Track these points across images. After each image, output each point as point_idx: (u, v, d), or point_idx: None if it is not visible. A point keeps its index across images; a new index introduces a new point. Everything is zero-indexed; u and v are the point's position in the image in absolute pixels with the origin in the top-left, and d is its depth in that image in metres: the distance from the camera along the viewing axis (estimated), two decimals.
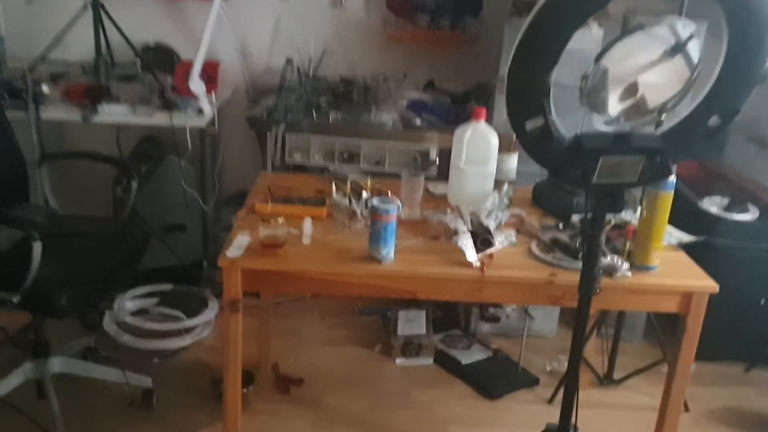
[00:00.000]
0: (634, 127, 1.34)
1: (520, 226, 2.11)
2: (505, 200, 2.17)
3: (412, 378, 2.71)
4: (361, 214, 2.02)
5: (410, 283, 1.82)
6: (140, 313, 2.97)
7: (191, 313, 2.96)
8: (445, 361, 2.78)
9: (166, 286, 3.13)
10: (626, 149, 1.30)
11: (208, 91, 3.02)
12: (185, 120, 2.86)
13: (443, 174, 3.07)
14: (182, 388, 2.54)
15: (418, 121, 3.00)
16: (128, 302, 2.99)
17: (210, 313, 2.97)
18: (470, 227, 1.96)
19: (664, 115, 1.35)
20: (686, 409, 2.61)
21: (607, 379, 2.73)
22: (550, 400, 2.61)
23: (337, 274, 1.79)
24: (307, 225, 1.96)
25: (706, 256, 2.05)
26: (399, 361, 2.77)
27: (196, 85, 2.94)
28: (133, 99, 2.98)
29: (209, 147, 3.15)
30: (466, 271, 1.80)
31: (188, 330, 2.87)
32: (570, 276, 1.82)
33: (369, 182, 2.16)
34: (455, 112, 3.06)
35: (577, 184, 1.35)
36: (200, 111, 2.92)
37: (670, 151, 1.31)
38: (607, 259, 1.87)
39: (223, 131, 3.32)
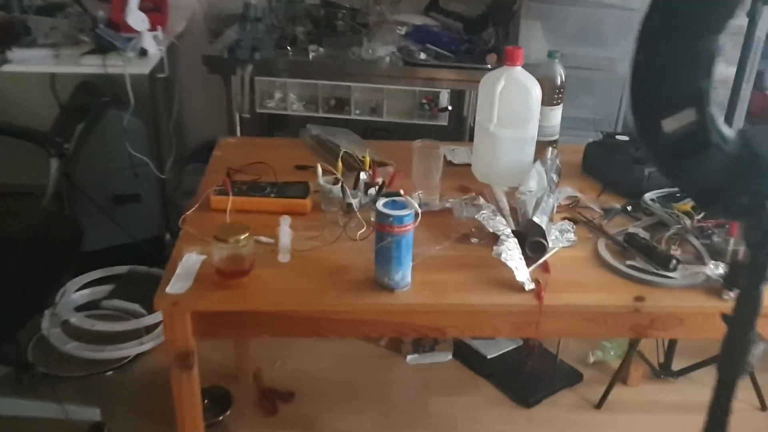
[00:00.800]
0: None
1: (575, 212, 1.55)
2: (554, 177, 1.59)
3: (428, 381, 2.20)
4: (360, 205, 1.45)
5: (436, 319, 1.27)
6: (89, 307, 2.42)
7: (152, 304, 2.41)
8: (466, 356, 2.27)
9: (122, 269, 2.58)
10: None
11: (154, 25, 2.38)
12: (123, 65, 2.23)
13: (455, 127, 2.48)
14: (141, 413, 2.02)
15: (421, 55, 2.37)
16: (74, 294, 2.44)
17: None
18: (514, 226, 1.40)
19: None
20: (763, 408, 2.14)
21: (664, 371, 2.23)
22: (599, 404, 2.12)
23: (330, 313, 1.24)
24: (284, 233, 1.38)
25: None
26: (411, 358, 2.25)
27: (136, 17, 2.29)
28: (56, 39, 2.33)
29: (162, 95, 2.53)
30: (516, 299, 1.25)
31: (149, 329, 2.33)
32: (661, 296, 1.28)
33: (368, 157, 1.57)
34: (469, 41, 2.43)
35: (742, 216, 0.78)
36: (143, 52, 2.29)
37: None
38: (707, 268, 1.32)
39: (180, 74, 2.68)
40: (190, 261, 1.30)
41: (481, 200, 1.45)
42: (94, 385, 2.12)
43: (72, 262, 1.80)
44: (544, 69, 1.73)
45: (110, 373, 2.19)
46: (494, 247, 1.30)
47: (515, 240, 1.32)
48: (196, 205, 1.51)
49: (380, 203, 1.23)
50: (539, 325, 1.25)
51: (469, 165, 1.74)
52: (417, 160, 1.55)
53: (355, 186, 1.47)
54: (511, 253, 1.29)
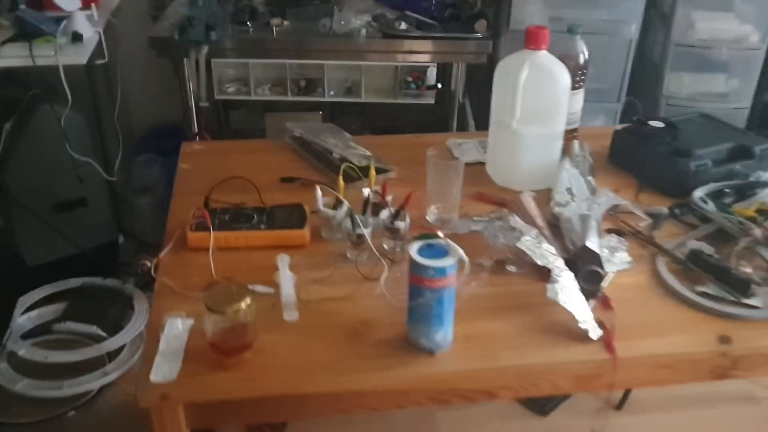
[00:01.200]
0: None
1: (617, 220, 1.33)
2: (591, 179, 1.36)
3: None
4: (371, 232, 1.19)
5: (486, 383, 1.04)
6: (39, 332, 2.12)
7: (112, 323, 2.14)
8: None
9: (73, 283, 2.27)
10: None
11: (86, 1, 2.03)
12: (55, 54, 1.88)
13: (442, 105, 2.22)
14: None
15: (401, 25, 2.08)
16: (20, 318, 2.13)
17: (138, 321, 2.14)
18: (560, 249, 1.17)
19: None
20: None
21: None
22: (620, 406, 1.95)
23: (358, 390, 0.99)
24: (286, 279, 1.12)
25: None
26: None
27: None
28: None
29: (103, 85, 2.18)
30: (581, 352, 1.03)
31: (111, 355, 2.05)
32: (747, 332, 1.08)
33: (373, 171, 1.31)
34: (453, 5, 2.15)
35: None
36: (76, 36, 1.95)
37: None
38: None
39: (121, 59, 2.33)
40: (174, 330, 1.03)
41: (517, 220, 1.21)
42: (55, 430, 1.85)
43: (15, 295, 1.50)
44: (565, 47, 1.49)
45: (72, 413, 1.91)
46: (548, 286, 1.07)
47: (570, 274, 1.10)
48: (168, 245, 1.23)
49: (414, 249, 0.98)
50: (614, 380, 1.04)
51: (482, 163, 1.50)
52: (432, 173, 1.29)
53: (364, 211, 1.22)
54: (569, 292, 1.07)
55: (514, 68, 1.33)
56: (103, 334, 2.11)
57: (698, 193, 1.36)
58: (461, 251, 0.97)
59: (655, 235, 1.29)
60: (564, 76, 1.35)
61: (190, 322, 1.05)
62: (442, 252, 0.97)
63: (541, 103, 1.35)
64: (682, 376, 1.09)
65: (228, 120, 2.74)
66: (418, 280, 0.97)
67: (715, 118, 1.59)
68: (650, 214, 1.34)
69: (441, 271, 0.95)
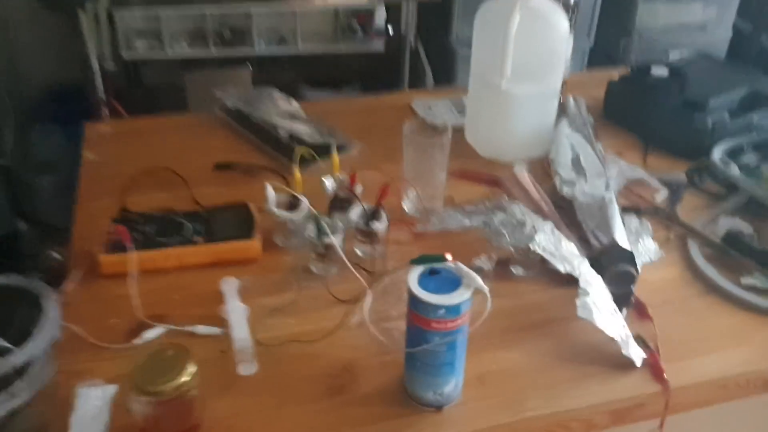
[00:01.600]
0: None
1: (631, 194, 1.10)
2: (600, 147, 1.13)
3: None
4: (341, 240, 0.93)
5: None
6: None
7: (17, 331, 1.81)
8: None
9: None
10: None
11: None
12: None
13: (392, 51, 1.93)
14: None
15: None
16: None
17: (49, 324, 1.83)
18: (587, 251, 0.93)
19: None
20: None
21: None
22: None
23: None
24: (236, 315, 0.85)
25: None
26: None
27: None
28: None
29: None
30: (623, 385, 0.82)
31: (20, 370, 1.74)
32: None
33: (336, 156, 1.03)
34: None
35: None
36: None
37: None
38: None
39: (3, 13, 1.93)
40: (90, 407, 0.77)
41: (523, 209, 0.96)
42: None
43: None
44: None
45: None
46: (577, 303, 0.83)
47: (599, 281, 0.87)
48: (74, 275, 0.93)
49: (414, 280, 0.72)
50: (666, 413, 0.83)
51: (459, 129, 1.24)
52: (410, 152, 1.03)
53: (330, 212, 0.95)
54: (602, 307, 0.84)
55: (501, 15, 1.07)
56: (8, 345, 1.79)
57: (717, 154, 1.15)
58: (478, 279, 0.72)
59: (678, 211, 1.07)
60: (562, 22, 1.10)
61: (111, 390, 0.78)
62: (452, 281, 0.72)
63: (536, 56, 1.09)
64: (734, 394, 0.89)
65: (139, 76, 2.37)
66: (423, 322, 0.72)
67: (716, 58, 1.38)
68: (665, 183, 1.13)
69: (454, 311, 0.70)
